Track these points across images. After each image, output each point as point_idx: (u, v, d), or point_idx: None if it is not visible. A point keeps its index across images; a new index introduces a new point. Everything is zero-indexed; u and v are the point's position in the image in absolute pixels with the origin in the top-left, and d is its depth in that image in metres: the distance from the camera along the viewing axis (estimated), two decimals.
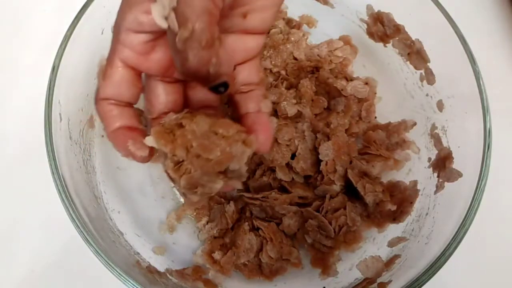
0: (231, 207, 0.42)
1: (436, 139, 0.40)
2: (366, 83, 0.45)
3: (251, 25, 0.28)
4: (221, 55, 0.24)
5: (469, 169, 0.36)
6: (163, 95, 0.30)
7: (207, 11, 0.23)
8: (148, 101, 0.31)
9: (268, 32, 0.45)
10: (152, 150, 0.28)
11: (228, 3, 0.26)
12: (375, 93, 0.46)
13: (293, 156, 0.42)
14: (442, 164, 0.39)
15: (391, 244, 0.39)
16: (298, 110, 0.43)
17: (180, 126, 0.27)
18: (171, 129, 0.27)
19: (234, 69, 0.29)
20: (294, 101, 0.44)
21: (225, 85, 0.26)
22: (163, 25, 0.24)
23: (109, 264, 0.32)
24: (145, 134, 0.28)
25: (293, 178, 0.42)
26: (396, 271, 0.36)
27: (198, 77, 0.25)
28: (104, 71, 0.28)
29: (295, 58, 0.46)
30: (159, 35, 0.27)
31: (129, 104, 0.30)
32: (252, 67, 0.31)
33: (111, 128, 0.29)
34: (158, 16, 0.24)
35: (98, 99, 0.29)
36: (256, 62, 0.31)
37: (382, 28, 0.42)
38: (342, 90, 0.44)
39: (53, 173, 0.34)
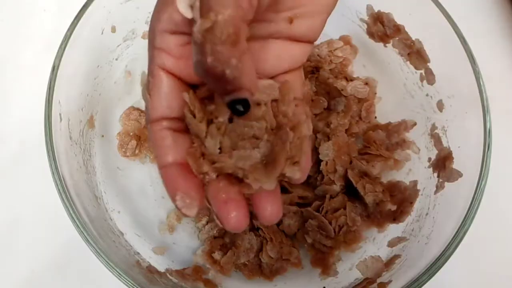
0: None
1: (436, 139, 0.40)
2: (366, 83, 0.45)
3: (297, 32, 0.26)
4: (244, 63, 0.21)
5: (469, 169, 0.36)
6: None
7: (235, 3, 0.20)
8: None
9: None
10: (200, 210, 0.25)
11: (272, 5, 0.24)
12: (375, 93, 0.46)
13: None
14: (442, 164, 0.39)
15: (391, 244, 0.39)
16: None
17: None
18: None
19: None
20: None
21: (245, 103, 0.22)
22: (188, 15, 0.22)
23: (109, 264, 0.32)
24: (200, 181, 0.26)
25: None
26: (396, 271, 0.36)
27: (213, 79, 0.22)
28: (147, 85, 0.25)
29: None
30: None
31: (183, 124, 0.26)
32: (296, 78, 0.28)
33: (162, 162, 0.25)
34: (183, 5, 0.22)
35: (150, 122, 0.26)
36: (300, 73, 0.29)
37: (382, 28, 0.42)
38: (342, 90, 0.44)
39: (53, 173, 0.34)
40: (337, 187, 0.41)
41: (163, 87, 0.25)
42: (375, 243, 0.41)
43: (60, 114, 0.36)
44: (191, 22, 0.22)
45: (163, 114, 0.25)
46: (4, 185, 0.45)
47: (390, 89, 0.45)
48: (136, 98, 0.46)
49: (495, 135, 0.35)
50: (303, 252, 0.42)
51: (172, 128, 0.26)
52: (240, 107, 0.23)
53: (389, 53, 0.43)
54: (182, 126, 0.26)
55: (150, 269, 0.38)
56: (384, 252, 0.39)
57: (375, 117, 0.45)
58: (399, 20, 0.41)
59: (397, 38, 0.42)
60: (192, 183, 0.25)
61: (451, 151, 0.38)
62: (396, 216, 0.39)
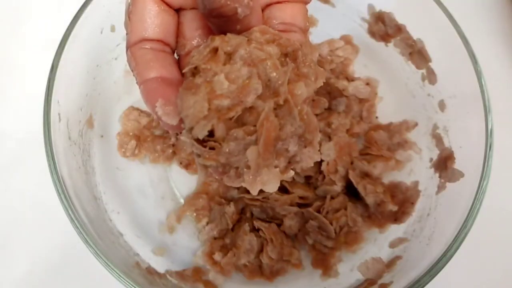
0: (231, 208, 0.41)
1: (437, 139, 0.40)
2: (368, 83, 0.45)
3: None
4: (255, 0, 0.21)
5: (471, 169, 0.35)
6: (197, 21, 0.25)
7: None
8: (180, 34, 0.26)
9: None
10: (181, 121, 0.23)
11: None
12: (376, 94, 0.46)
13: None
14: (444, 165, 0.38)
15: (392, 245, 0.39)
16: None
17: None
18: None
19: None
20: None
21: None
22: None
23: (109, 265, 0.32)
24: None
25: (293, 179, 0.42)
26: (397, 272, 0.36)
27: (223, 17, 0.21)
28: (128, 10, 0.24)
29: None
30: None
31: (166, 46, 0.25)
32: (298, 9, 0.25)
33: (143, 77, 0.23)
34: None
35: (128, 47, 0.24)
36: (303, 8, 0.26)
37: (384, 27, 0.42)
38: (343, 90, 0.44)
39: (52, 173, 0.34)
40: (338, 187, 0.41)
41: (143, 8, 0.24)
42: (376, 244, 0.40)
43: (59, 114, 0.36)
44: None
45: (143, 35, 0.24)
46: (3, 185, 0.45)
47: (391, 89, 0.45)
48: (135, 98, 0.46)
49: (497, 135, 0.35)
50: (303, 253, 0.42)
51: (154, 49, 0.24)
52: None
53: (391, 52, 0.43)
54: (165, 49, 0.25)
55: (150, 270, 0.37)
56: (385, 253, 0.39)
57: (376, 117, 0.45)
58: (400, 20, 0.41)
59: (399, 38, 0.42)
60: (175, 92, 0.23)
61: (452, 151, 0.38)
62: (397, 217, 0.39)
